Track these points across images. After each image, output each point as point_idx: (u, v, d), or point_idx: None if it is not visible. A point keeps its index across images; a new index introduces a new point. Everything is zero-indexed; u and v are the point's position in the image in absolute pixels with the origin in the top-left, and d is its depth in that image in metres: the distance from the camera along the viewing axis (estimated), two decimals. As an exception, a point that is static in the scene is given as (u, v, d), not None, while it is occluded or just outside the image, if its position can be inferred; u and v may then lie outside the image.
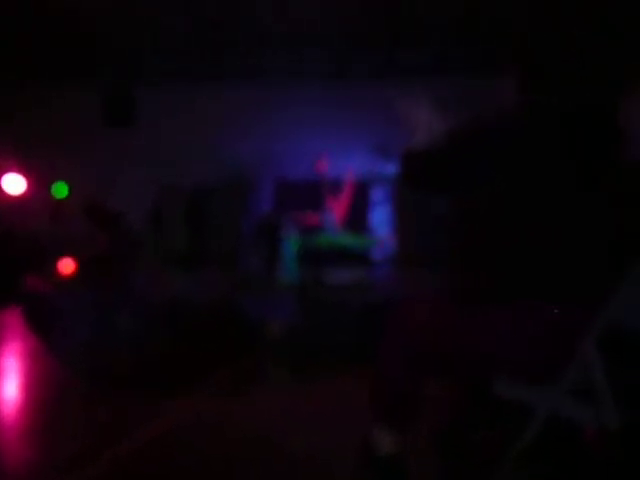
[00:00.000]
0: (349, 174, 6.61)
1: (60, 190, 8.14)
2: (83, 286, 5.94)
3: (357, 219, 7.38)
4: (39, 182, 8.15)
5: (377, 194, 7.54)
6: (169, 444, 2.49)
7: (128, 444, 2.48)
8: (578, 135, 1.41)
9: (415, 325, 1.55)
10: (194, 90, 7.76)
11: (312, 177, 7.29)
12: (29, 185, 8.28)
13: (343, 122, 7.60)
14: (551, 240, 1.39)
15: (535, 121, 1.43)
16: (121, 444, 2.46)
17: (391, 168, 7.30)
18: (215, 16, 6.19)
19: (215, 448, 2.45)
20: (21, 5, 5.84)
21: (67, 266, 6.67)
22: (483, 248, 1.45)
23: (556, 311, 1.38)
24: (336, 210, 6.50)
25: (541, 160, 1.40)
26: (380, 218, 7.45)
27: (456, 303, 1.50)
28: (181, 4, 5.88)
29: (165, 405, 3.04)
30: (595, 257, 1.41)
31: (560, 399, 1.34)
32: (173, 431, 2.67)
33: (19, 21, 6.19)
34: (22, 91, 7.86)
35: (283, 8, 5.94)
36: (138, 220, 7.41)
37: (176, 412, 2.95)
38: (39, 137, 7.65)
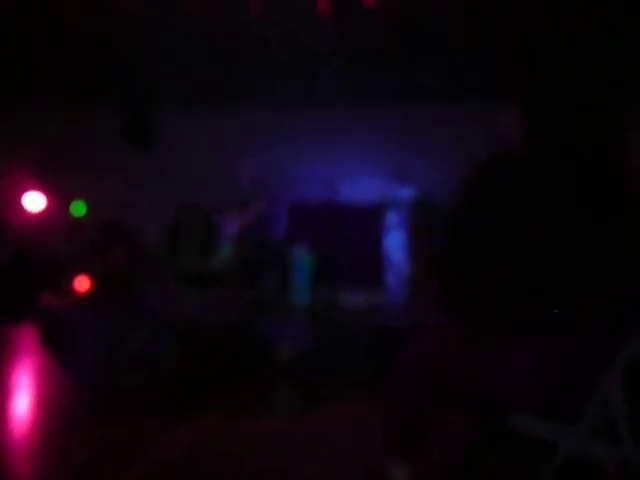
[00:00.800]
0: (261, 201, 6.59)
1: (78, 209, 8.24)
2: (97, 304, 5.98)
3: (371, 244, 7.38)
4: (58, 200, 8.27)
5: (392, 218, 7.52)
6: (178, 466, 2.47)
7: (137, 466, 2.46)
8: (584, 172, 1.41)
9: (428, 355, 1.55)
10: (211, 112, 7.89)
11: (327, 200, 7.32)
12: (49, 203, 8.40)
13: (358, 145, 7.65)
14: (564, 273, 1.39)
15: (540, 161, 1.44)
16: (130, 466, 2.45)
17: (407, 192, 7.31)
18: (230, 40, 6.32)
19: (224, 469, 2.43)
20: (42, 27, 6.01)
21: (82, 284, 6.72)
22: (495, 281, 1.44)
23: (569, 344, 1.37)
24: (231, 227, 6.47)
25: (549, 198, 1.40)
26: (395, 243, 7.42)
27: (470, 334, 1.49)
28: (198, 29, 6.02)
29: (175, 425, 3.02)
30: (607, 289, 1.40)
31: (582, 436, 1.32)
32: (182, 452, 2.65)
33: (40, 43, 6.36)
34: (42, 111, 8.03)
35: (297, 30, 6.05)
36: (154, 239, 7.47)
37: (185, 432, 2.93)
38: (58, 156, 7.79)
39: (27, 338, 6.05)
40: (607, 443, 1.28)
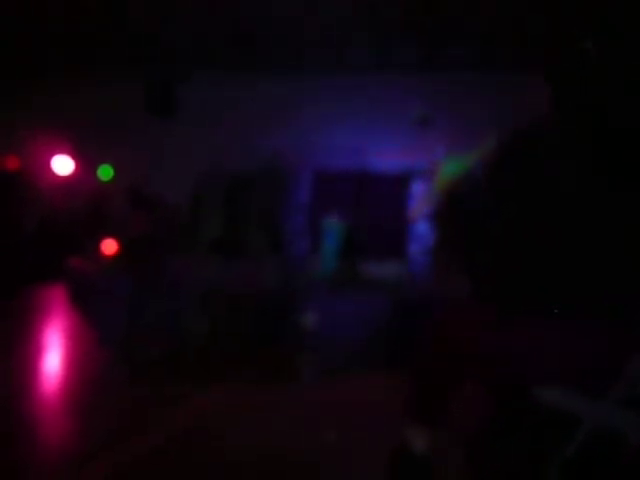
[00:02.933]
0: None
1: (105, 173, 8.35)
2: (123, 268, 6.08)
3: (395, 214, 7.33)
4: (86, 165, 8.38)
5: (417, 188, 7.45)
6: (196, 430, 2.51)
7: (157, 428, 2.52)
8: (611, 153, 1.37)
9: (457, 330, 1.54)
10: (234, 80, 7.83)
11: (352, 169, 7.28)
12: (76, 167, 8.52)
13: (385, 114, 7.54)
14: (592, 254, 1.37)
15: (566, 140, 1.41)
16: (150, 428, 2.51)
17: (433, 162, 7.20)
18: (253, 9, 6.22)
19: (242, 437, 2.47)
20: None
21: (110, 247, 6.84)
22: (525, 261, 1.43)
23: (597, 324, 1.35)
24: None
25: (573, 176, 1.37)
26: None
27: (498, 312, 1.48)
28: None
29: (196, 391, 3.08)
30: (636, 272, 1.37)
31: (609, 411, 1.31)
32: (202, 417, 2.70)
33: (65, 13, 6.38)
34: (71, 79, 8.10)
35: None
36: (178, 206, 7.54)
37: (206, 398, 2.98)
38: (87, 122, 7.87)
39: (56, 299, 6.22)
40: (633, 416, 1.27)
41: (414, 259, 7.11)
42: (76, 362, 3.84)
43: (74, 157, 8.45)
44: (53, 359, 3.94)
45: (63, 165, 8.50)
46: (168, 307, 4.83)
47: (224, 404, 2.93)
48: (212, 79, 7.84)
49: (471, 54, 7.10)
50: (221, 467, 2.14)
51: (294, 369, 3.94)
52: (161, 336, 4.47)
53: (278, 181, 7.64)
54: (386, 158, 7.36)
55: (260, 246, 7.05)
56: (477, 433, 1.76)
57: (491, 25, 6.30)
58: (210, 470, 2.12)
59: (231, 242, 7.19)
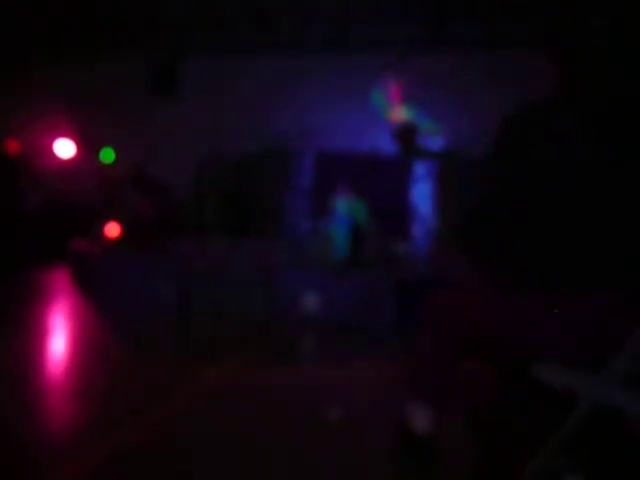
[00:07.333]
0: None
1: (107, 156, 8.33)
2: (127, 250, 6.10)
3: (398, 195, 7.32)
4: (88, 147, 8.36)
5: (419, 170, 7.43)
6: (205, 412, 2.53)
7: (167, 401, 2.55)
8: (620, 127, 1.37)
9: (457, 308, 1.55)
10: (237, 61, 7.77)
11: (352, 148, 7.24)
12: (78, 150, 8.51)
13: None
14: (593, 228, 1.37)
15: (574, 112, 1.40)
16: (161, 401, 2.54)
17: (435, 143, 7.17)
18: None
19: (250, 411, 2.50)
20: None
21: (112, 230, 6.86)
22: (525, 236, 1.43)
23: (599, 298, 1.36)
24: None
25: (577, 150, 1.37)
26: (422, 194, 7.35)
27: (498, 288, 1.49)
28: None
29: (203, 368, 3.11)
30: (637, 245, 1.38)
31: (609, 387, 1.32)
32: (209, 393, 2.73)
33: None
34: (73, 61, 8.04)
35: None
36: (181, 188, 7.54)
37: (211, 376, 3.01)
38: (88, 105, 7.83)
39: (60, 280, 6.26)
40: (632, 394, 1.28)
41: (418, 241, 7.12)
42: (80, 343, 3.87)
43: (76, 140, 8.44)
44: (57, 340, 3.96)
45: (65, 148, 8.48)
46: (175, 287, 4.87)
47: (228, 379, 2.96)
48: (214, 60, 7.78)
49: (476, 32, 7.02)
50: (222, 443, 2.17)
51: (295, 349, 3.97)
52: (171, 315, 4.52)
53: (282, 162, 7.62)
54: (388, 138, 7.32)
55: (263, 228, 7.05)
56: (479, 411, 1.78)
57: (494, 3, 6.24)
58: (219, 445, 2.15)
59: (234, 223, 7.20)
